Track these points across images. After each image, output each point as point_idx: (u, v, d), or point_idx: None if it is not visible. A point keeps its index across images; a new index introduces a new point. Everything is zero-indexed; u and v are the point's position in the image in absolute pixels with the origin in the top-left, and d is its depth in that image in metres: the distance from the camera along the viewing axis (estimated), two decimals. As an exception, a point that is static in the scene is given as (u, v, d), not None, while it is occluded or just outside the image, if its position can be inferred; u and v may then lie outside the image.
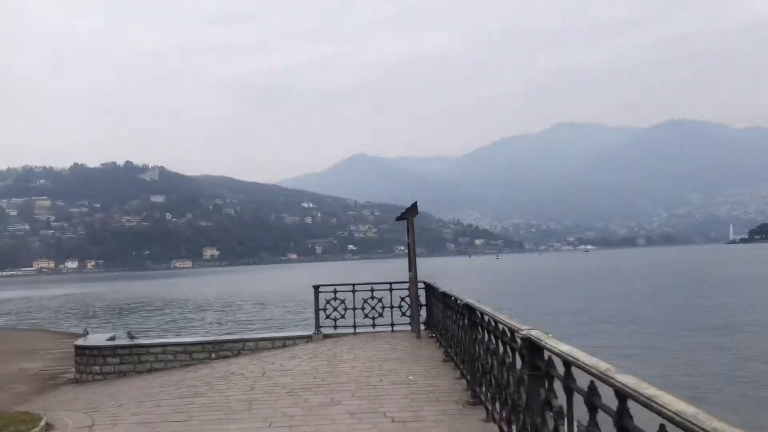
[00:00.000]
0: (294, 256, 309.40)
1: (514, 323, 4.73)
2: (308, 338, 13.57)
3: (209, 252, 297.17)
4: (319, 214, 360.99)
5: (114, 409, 8.63)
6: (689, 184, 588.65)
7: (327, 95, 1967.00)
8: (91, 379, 12.89)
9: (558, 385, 3.61)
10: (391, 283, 14.03)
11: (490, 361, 5.90)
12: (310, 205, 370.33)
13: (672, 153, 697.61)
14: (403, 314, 14.00)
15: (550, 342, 3.69)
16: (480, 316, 6.40)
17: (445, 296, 9.93)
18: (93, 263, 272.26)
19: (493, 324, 5.58)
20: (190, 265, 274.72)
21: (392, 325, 14.02)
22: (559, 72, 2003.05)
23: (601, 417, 2.84)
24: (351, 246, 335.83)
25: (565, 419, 3.49)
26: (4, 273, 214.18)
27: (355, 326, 13.92)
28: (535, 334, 4.02)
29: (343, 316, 14.01)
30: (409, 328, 13.69)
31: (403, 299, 13.97)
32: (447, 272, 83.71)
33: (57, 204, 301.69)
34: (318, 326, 13.75)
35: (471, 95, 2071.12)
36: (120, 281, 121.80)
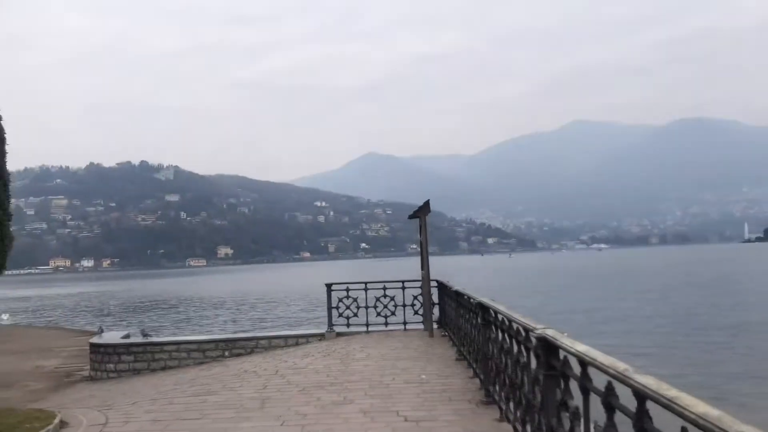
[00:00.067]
0: (307, 254, 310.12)
1: (529, 322, 4.67)
2: (321, 336, 13.57)
3: (223, 250, 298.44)
4: (331, 213, 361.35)
5: (127, 407, 8.67)
6: (704, 182, 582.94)
7: (340, 94, 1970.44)
8: (105, 376, 12.95)
9: (574, 386, 3.56)
10: (403, 282, 13.99)
11: (503, 360, 5.84)
12: (323, 203, 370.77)
13: (687, 151, 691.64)
14: (416, 313, 13.95)
15: (566, 341, 3.63)
16: (493, 315, 6.34)
17: (458, 295, 9.87)
18: (109, 262, 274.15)
19: (507, 323, 5.52)
20: (205, 264, 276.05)
21: (405, 323, 13.97)
22: (573, 70, 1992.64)
23: (619, 418, 2.79)
24: (363, 244, 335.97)
25: (582, 420, 3.43)
26: (22, 271, 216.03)
27: (367, 324, 13.91)
28: (550, 333, 3.95)
29: (355, 315, 14.00)
30: (421, 326, 13.65)
31: (415, 297, 13.93)
32: (459, 271, 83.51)
33: (73, 203, 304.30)
34: (331, 324, 13.75)
35: (484, 93, 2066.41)
36: (135, 279, 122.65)
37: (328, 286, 13.98)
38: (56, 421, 7.62)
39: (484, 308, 6.89)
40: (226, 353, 13.02)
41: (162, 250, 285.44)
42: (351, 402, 7.65)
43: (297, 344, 13.30)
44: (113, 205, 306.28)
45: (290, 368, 10.40)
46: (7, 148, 12.70)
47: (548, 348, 3.97)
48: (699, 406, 1.97)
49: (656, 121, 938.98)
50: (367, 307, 13.96)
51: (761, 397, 13.26)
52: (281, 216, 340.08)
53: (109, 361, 13.02)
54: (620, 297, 40.50)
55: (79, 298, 63.93)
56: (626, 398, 2.72)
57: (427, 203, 13.59)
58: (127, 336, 14.38)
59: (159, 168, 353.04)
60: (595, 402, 3.09)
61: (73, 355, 17.55)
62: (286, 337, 13.67)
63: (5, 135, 12.42)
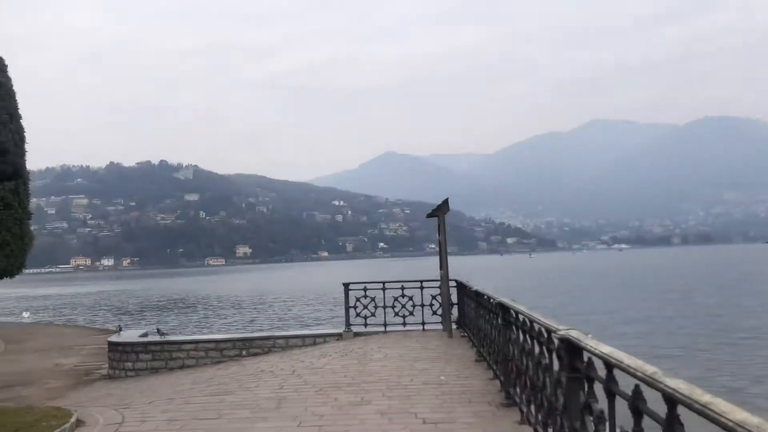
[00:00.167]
0: (325, 253, 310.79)
1: (551, 323, 4.55)
2: (338, 336, 13.50)
3: (242, 250, 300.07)
4: (349, 212, 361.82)
5: (144, 406, 8.66)
6: (727, 181, 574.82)
7: (357, 93, 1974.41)
8: (123, 375, 13.00)
9: (598, 388, 3.45)
10: (421, 281, 13.87)
11: (525, 361, 5.73)
12: (341, 203, 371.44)
13: (709, 150, 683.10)
14: (435, 313, 13.82)
15: (590, 343, 3.53)
16: (514, 316, 6.23)
17: (478, 295, 9.75)
18: (128, 261, 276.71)
19: (529, 324, 5.41)
20: (224, 263, 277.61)
21: (423, 323, 13.86)
22: (591, 68, 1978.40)
23: (647, 423, 2.67)
24: (381, 244, 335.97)
25: (607, 424, 3.31)
26: (43, 270, 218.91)
27: (385, 324, 13.80)
28: (574, 334, 3.85)
29: (373, 314, 13.90)
30: (440, 327, 13.52)
31: (434, 297, 13.81)
32: (479, 271, 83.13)
33: (94, 202, 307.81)
34: (348, 324, 13.67)
35: (502, 92, 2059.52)
36: (154, 279, 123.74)
37: (346, 285, 13.90)
38: (72, 419, 7.62)
39: (504, 309, 6.78)
40: (244, 352, 13.00)
41: (181, 249, 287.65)
42: (368, 403, 7.56)
43: (314, 344, 13.25)
44: (133, 204, 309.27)
45: (307, 368, 10.35)
46: (26, 147, 12.81)
47: (572, 349, 3.87)
48: (736, 413, 1.85)
49: (677, 119, 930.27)
50: (384, 307, 13.85)
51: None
52: (299, 215, 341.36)
53: (127, 360, 13.07)
54: (641, 298, 40.08)
55: (99, 297, 64.62)
56: (654, 403, 2.61)
57: (445, 202, 13.45)
58: (145, 335, 14.44)
59: (178, 167, 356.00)
60: (620, 406, 2.97)
61: (92, 354, 17.68)
62: (303, 337, 13.62)
63: (24, 134, 12.52)
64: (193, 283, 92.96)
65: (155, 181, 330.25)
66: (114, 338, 14.02)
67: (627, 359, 2.88)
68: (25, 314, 41.09)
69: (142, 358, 12.98)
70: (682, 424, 2.34)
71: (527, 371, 5.61)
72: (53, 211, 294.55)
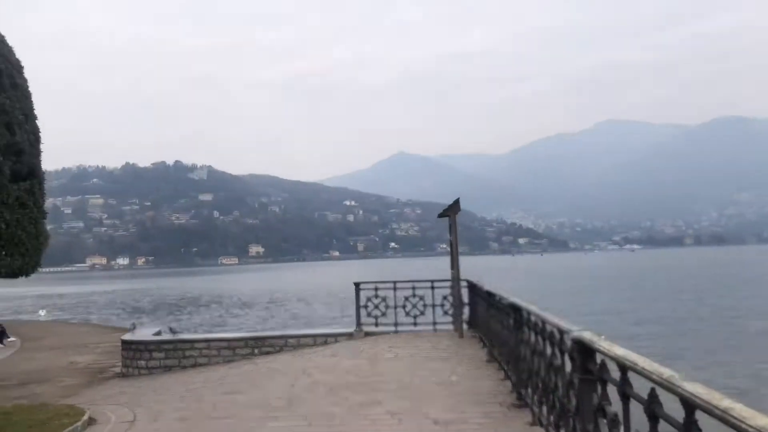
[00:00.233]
0: (336, 253, 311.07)
1: (564, 324, 4.51)
2: (349, 335, 13.48)
3: (255, 249, 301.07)
4: (361, 212, 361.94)
5: (156, 405, 8.69)
6: (740, 182, 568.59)
7: (369, 93, 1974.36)
8: (137, 373, 13.05)
9: (612, 391, 3.41)
10: (432, 281, 13.80)
11: (536, 362, 5.69)
12: (352, 203, 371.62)
13: (722, 150, 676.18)
14: (446, 313, 13.75)
15: (604, 344, 3.49)
16: (526, 316, 6.19)
17: (490, 295, 9.70)
18: (143, 260, 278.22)
19: (541, 324, 5.37)
20: (237, 262, 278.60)
21: (434, 323, 13.79)
22: (603, 68, 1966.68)
23: (663, 427, 2.63)
24: (393, 244, 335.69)
25: (621, 428, 3.28)
26: (59, 269, 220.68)
27: (396, 324, 13.74)
28: (587, 335, 3.81)
29: (384, 314, 13.85)
30: (451, 327, 13.46)
31: (445, 297, 13.74)
32: (490, 271, 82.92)
33: (109, 202, 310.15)
34: (359, 324, 13.64)
35: (514, 92, 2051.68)
36: (169, 277, 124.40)
37: (357, 285, 13.86)
38: (85, 417, 7.67)
39: (516, 309, 6.74)
40: (256, 351, 13.01)
41: (195, 249, 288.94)
42: (379, 403, 7.54)
43: (325, 343, 13.24)
44: (148, 204, 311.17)
45: (318, 367, 10.34)
46: (43, 147, 12.91)
47: (584, 351, 3.83)
48: (758, 419, 1.82)
49: (690, 120, 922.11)
50: (395, 307, 13.79)
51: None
52: (311, 215, 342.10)
53: (141, 358, 13.11)
54: (653, 298, 39.77)
55: (114, 296, 65.02)
56: (671, 407, 2.57)
57: (456, 202, 13.39)
58: (158, 333, 14.49)
59: (193, 168, 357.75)
60: (635, 409, 2.93)
61: (106, 352, 17.76)
62: (314, 336, 13.61)
63: (40, 134, 12.62)
64: (206, 282, 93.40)
65: (170, 181, 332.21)
66: (128, 336, 14.07)
67: (642, 362, 2.85)
68: (42, 312, 41.44)
69: (156, 356, 13.02)
70: (700, 430, 2.30)
71: (539, 372, 5.57)
72: (70, 211, 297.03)
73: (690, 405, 2.26)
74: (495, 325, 9.14)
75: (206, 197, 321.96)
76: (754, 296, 38.65)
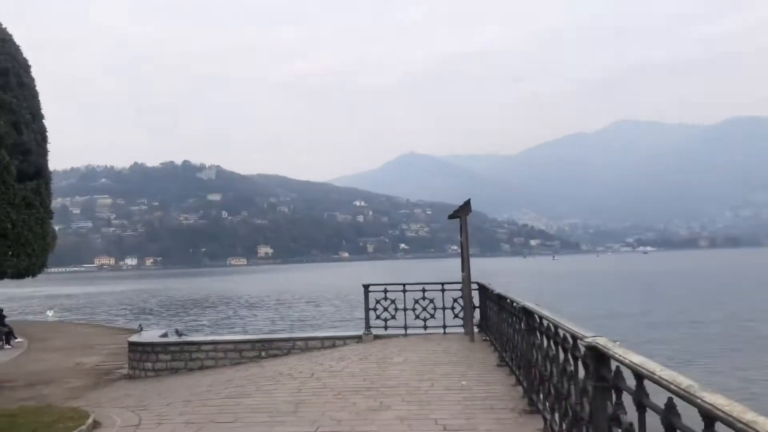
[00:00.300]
0: (346, 254, 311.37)
1: (577, 329, 4.37)
2: (358, 338, 13.37)
3: (263, 250, 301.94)
4: (370, 213, 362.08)
5: (162, 408, 8.60)
6: (756, 183, 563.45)
7: (379, 94, 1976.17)
8: (143, 375, 13.00)
9: (627, 399, 3.28)
10: (443, 284, 13.64)
11: (549, 368, 5.54)
12: (362, 203, 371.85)
13: (737, 151, 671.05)
14: (456, 316, 13.61)
15: (618, 351, 3.35)
16: (538, 321, 6.05)
17: (500, 298, 9.56)
18: (152, 260, 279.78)
19: (553, 329, 5.23)
20: (245, 263, 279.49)
21: (444, 326, 13.66)
22: (618, 68, 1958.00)
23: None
24: (402, 245, 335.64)
25: (637, 437, 3.14)
26: (67, 269, 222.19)
27: (405, 327, 13.62)
28: (601, 342, 3.67)
29: (393, 317, 13.73)
30: (461, 330, 13.32)
31: (455, 300, 13.59)
32: (501, 273, 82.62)
33: (118, 202, 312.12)
34: (368, 326, 13.52)
35: (526, 92, 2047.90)
36: (177, 278, 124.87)
37: (366, 286, 13.74)
38: (89, 421, 7.60)
39: (528, 313, 6.60)
40: (263, 354, 12.93)
41: (204, 249, 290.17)
42: (387, 408, 7.42)
43: (334, 346, 13.13)
44: (156, 204, 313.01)
45: (326, 371, 10.23)
46: (51, 147, 12.88)
47: (599, 358, 3.71)
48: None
49: (705, 120, 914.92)
50: (405, 310, 13.65)
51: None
52: (320, 216, 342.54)
53: (147, 360, 13.06)
54: (667, 301, 39.41)
55: (122, 296, 65.27)
56: (689, 417, 2.44)
57: (467, 203, 13.25)
58: (165, 335, 14.44)
59: (201, 168, 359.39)
60: (651, 420, 2.82)
61: (113, 353, 17.75)
62: (322, 339, 13.51)
63: (47, 134, 12.58)
64: (214, 283, 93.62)
65: (178, 181, 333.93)
66: (134, 338, 14.04)
67: (659, 370, 2.71)
68: (49, 313, 41.61)
69: (162, 358, 12.97)
70: (721, 443, 2.16)
71: (551, 378, 5.43)
72: (78, 211, 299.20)
73: (710, 417, 2.13)
74: (506, 329, 9.01)
75: (215, 197, 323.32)
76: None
